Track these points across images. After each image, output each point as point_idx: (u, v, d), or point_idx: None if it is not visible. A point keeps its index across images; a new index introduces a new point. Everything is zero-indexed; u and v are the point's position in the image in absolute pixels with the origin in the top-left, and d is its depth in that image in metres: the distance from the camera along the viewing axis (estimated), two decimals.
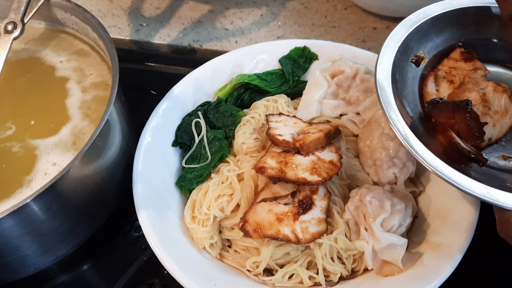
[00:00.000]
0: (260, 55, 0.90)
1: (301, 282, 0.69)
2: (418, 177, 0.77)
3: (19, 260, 0.70)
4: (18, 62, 0.87)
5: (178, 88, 0.84)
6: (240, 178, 0.74)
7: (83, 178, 0.70)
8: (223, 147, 0.78)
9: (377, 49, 1.04)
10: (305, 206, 0.68)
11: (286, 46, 0.90)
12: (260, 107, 0.83)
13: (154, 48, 1.11)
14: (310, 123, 0.79)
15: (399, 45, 0.70)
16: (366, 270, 0.70)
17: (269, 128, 0.75)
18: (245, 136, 0.78)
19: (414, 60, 0.73)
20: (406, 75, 0.71)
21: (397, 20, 1.09)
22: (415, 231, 0.73)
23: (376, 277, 0.68)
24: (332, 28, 1.10)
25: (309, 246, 0.69)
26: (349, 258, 0.70)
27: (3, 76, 0.81)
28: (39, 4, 0.85)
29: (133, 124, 0.85)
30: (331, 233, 0.69)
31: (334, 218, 0.71)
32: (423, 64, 0.73)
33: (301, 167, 0.70)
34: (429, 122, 0.68)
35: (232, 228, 0.73)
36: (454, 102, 0.65)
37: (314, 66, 0.88)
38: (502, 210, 0.57)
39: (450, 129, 0.66)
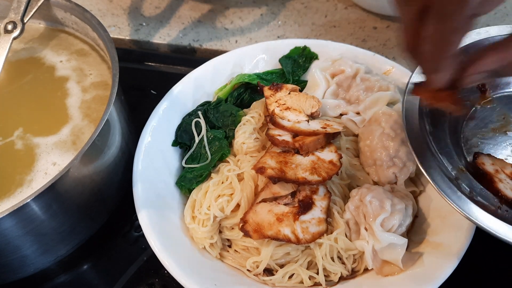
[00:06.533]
0: (260, 55, 0.90)
1: (301, 282, 0.69)
2: (418, 176, 0.77)
3: (19, 260, 0.70)
4: (18, 62, 0.87)
5: (178, 88, 0.84)
6: (240, 178, 0.74)
7: (83, 178, 0.70)
8: (223, 147, 0.78)
9: (377, 49, 1.05)
10: (305, 206, 0.68)
11: (286, 45, 0.90)
12: (260, 106, 0.83)
13: (154, 47, 1.11)
14: None
15: None
16: (366, 270, 0.70)
17: (268, 129, 0.75)
18: (245, 136, 0.78)
19: None
20: (434, 113, 0.69)
21: (397, 19, 1.09)
22: (415, 231, 0.73)
23: (376, 277, 0.68)
24: (332, 28, 1.10)
25: (309, 246, 0.69)
26: (349, 258, 0.70)
27: (3, 76, 0.81)
28: (39, 3, 0.84)
29: (133, 124, 0.85)
30: (331, 233, 0.69)
31: (334, 218, 0.71)
32: None
33: (300, 167, 0.70)
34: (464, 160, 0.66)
35: (232, 228, 0.73)
36: None
37: (314, 66, 0.88)
38: None
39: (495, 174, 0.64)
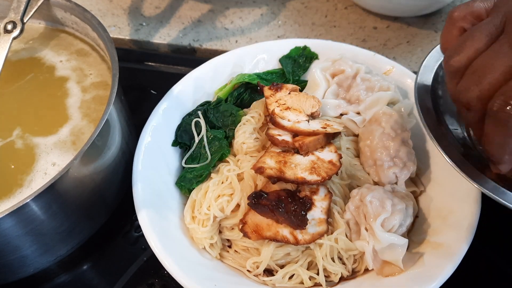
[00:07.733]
0: (260, 55, 0.90)
1: (302, 283, 0.69)
2: (418, 177, 0.77)
3: (19, 260, 0.70)
4: (18, 62, 0.87)
5: (178, 88, 0.84)
6: (240, 178, 0.74)
7: (83, 178, 0.70)
8: (223, 147, 0.78)
9: (377, 49, 1.04)
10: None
11: (286, 45, 0.90)
12: (260, 106, 0.82)
13: (154, 47, 1.11)
14: None
15: (437, 64, 0.69)
16: (366, 270, 0.70)
17: (268, 128, 0.75)
18: (245, 135, 0.78)
19: None
20: (446, 94, 0.68)
21: (397, 19, 1.09)
22: (415, 231, 0.73)
23: (377, 277, 0.68)
24: (332, 28, 1.10)
25: (309, 246, 0.69)
26: (350, 258, 0.70)
27: (3, 76, 0.81)
28: (39, 3, 0.84)
29: (133, 124, 0.85)
30: (331, 233, 0.69)
31: (334, 218, 0.71)
32: None
33: (300, 166, 0.70)
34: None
35: (232, 228, 0.73)
36: None
37: (315, 66, 0.88)
38: None
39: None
